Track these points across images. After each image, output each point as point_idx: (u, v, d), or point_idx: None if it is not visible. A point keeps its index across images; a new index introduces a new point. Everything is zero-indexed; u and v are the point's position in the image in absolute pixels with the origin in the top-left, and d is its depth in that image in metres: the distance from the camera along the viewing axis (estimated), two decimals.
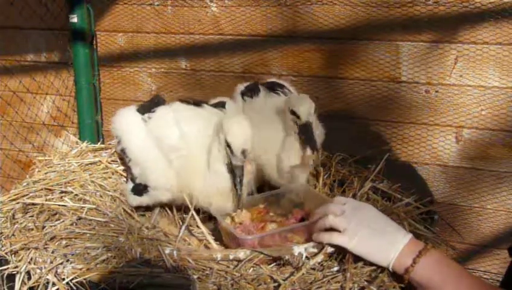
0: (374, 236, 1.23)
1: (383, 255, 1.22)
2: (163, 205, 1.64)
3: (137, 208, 1.65)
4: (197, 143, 1.52)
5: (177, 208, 1.63)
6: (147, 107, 1.65)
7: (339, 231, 1.27)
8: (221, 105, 1.69)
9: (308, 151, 1.48)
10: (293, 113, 1.51)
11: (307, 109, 1.50)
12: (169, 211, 1.67)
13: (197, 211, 1.52)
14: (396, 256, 1.20)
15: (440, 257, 1.19)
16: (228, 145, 1.42)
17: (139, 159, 1.59)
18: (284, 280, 1.24)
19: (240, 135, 1.42)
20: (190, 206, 1.51)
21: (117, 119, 1.69)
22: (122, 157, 1.70)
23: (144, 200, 1.60)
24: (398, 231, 1.24)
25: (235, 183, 1.43)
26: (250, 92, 1.75)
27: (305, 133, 1.49)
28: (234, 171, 1.43)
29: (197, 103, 1.65)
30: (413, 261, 1.18)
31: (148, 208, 1.67)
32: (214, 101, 1.75)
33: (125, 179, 1.73)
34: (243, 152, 1.41)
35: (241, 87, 1.81)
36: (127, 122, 1.66)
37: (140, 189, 1.59)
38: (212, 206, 1.49)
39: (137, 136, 1.60)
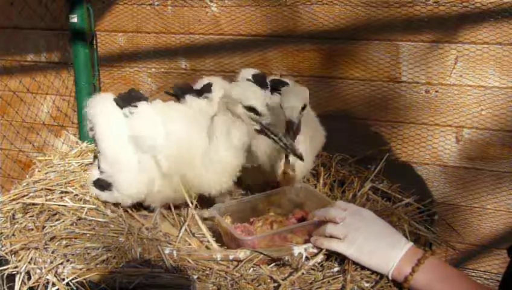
0: (373, 244, 1.23)
1: (382, 264, 1.22)
2: (163, 205, 1.64)
3: (138, 209, 1.65)
4: (184, 140, 1.48)
5: (176, 206, 1.63)
6: (126, 100, 1.57)
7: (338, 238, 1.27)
8: (207, 89, 1.64)
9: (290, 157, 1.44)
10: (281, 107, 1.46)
11: (291, 105, 1.43)
12: (169, 212, 1.67)
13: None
14: (395, 265, 1.20)
15: (439, 264, 1.19)
16: (251, 109, 1.37)
17: (110, 156, 1.53)
18: (283, 280, 1.24)
19: (257, 93, 1.38)
20: (191, 205, 1.51)
21: (94, 104, 1.62)
22: (94, 142, 1.63)
23: (103, 195, 1.56)
24: (398, 240, 1.24)
25: (281, 139, 1.37)
26: (257, 84, 1.72)
27: (287, 132, 1.43)
28: (271, 130, 1.37)
29: (182, 93, 1.61)
30: (412, 269, 1.18)
31: (148, 209, 1.67)
32: (201, 83, 1.71)
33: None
34: (267, 107, 1.37)
35: (246, 73, 1.76)
36: (103, 112, 1.58)
37: (102, 185, 1.55)
38: (213, 193, 1.48)
39: (113, 131, 1.54)
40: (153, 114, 1.52)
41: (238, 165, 1.47)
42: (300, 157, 1.40)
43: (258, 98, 1.37)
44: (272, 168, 1.61)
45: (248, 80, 1.71)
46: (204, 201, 1.57)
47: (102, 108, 1.59)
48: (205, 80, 1.76)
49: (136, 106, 1.53)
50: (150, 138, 1.48)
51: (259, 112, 1.37)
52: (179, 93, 1.63)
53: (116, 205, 1.61)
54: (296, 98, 1.46)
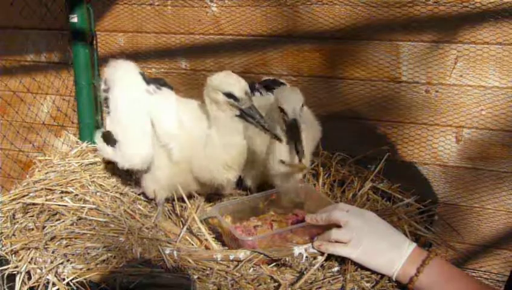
0: (378, 247, 1.23)
1: (387, 266, 1.22)
2: (167, 202, 1.65)
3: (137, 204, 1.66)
4: (194, 132, 1.54)
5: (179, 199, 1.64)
6: (153, 80, 1.62)
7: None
8: None
9: (297, 152, 1.47)
10: (281, 110, 1.50)
11: (292, 105, 1.48)
12: (172, 212, 1.67)
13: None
14: (400, 266, 1.20)
15: (443, 265, 1.19)
16: (230, 96, 1.43)
17: (123, 120, 1.57)
18: (290, 285, 1.23)
19: (235, 80, 1.45)
20: (189, 205, 1.52)
21: (117, 67, 1.65)
22: (103, 103, 1.66)
23: (107, 150, 1.60)
24: (402, 241, 1.24)
25: (259, 121, 1.44)
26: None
27: (291, 131, 1.47)
28: (251, 114, 1.44)
29: None
30: (417, 270, 1.18)
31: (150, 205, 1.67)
32: None
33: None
34: (246, 93, 1.44)
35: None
36: (126, 78, 1.62)
37: (110, 139, 1.57)
38: (215, 180, 1.51)
39: (132, 99, 1.58)
40: (174, 102, 1.58)
41: (238, 156, 1.50)
42: (280, 139, 1.47)
43: (236, 84, 1.44)
44: (268, 164, 1.61)
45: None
46: (211, 197, 1.58)
47: (125, 74, 1.62)
48: None
49: (161, 89, 1.59)
50: (167, 125, 1.54)
51: (238, 98, 1.43)
52: None
53: (116, 204, 1.61)
54: (294, 98, 1.49)
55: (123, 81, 1.61)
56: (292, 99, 1.48)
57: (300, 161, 1.47)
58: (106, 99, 1.62)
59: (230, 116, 1.46)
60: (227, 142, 1.48)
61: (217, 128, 1.48)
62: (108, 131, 1.59)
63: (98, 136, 1.64)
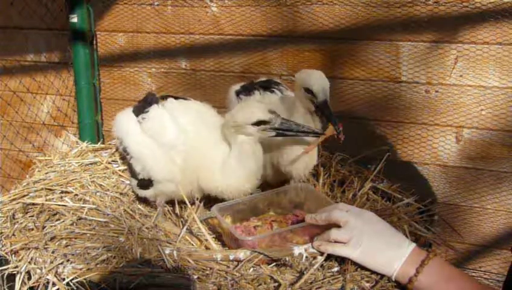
0: (377, 246, 1.24)
1: (386, 266, 1.22)
2: (167, 202, 1.65)
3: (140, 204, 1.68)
4: (195, 135, 1.55)
5: (179, 202, 1.64)
6: (141, 108, 1.68)
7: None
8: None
9: (331, 130, 1.50)
10: (309, 91, 1.51)
11: (322, 86, 1.50)
12: (172, 212, 1.67)
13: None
14: (400, 266, 1.20)
15: (442, 265, 1.19)
16: (260, 123, 1.45)
17: (139, 157, 1.62)
18: (290, 285, 1.23)
19: (255, 106, 1.49)
20: (189, 206, 1.52)
21: (116, 121, 1.75)
22: (124, 155, 1.74)
23: (150, 192, 1.63)
24: (402, 241, 1.24)
25: (299, 129, 1.48)
26: (246, 90, 1.75)
27: (321, 111, 1.50)
28: (287, 127, 1.47)
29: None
30: (417, 271, 1.18)
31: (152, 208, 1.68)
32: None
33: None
34: (270, 111, 1.47)
35: (235, 87, 1.82)
36: (124, 125, 1.71)
37: (145, 183, 1.62)
38: (229, 194, 1.52)
39: (135, 137, 1.64)
40: (162, 115, 1.61)
41: (252, 185, 1.53)
42: (321, 134, 1.51)
43: (259, 109, 1.46)
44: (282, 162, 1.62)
45: (237, 91, 1.78)
46: (211, 197, 1.59)
47: (122, 122, 1.71)
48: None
49: (147, 111, 1.63)
50: (161, 136, 1.58)
51: (268, 120, 1.45)
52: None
53: (116, 204, 1.61)
54: (323, 79, 1.51)
55: (124, 132, 1.69)
56: (321, 81, 1.50)
57: (339, 134, 1.51)
58: (124, 149, 1.69)
59: (262, 140, 1.49)
60: (248, 168, 1.49)
61: (239, 156, 1.49)
62: (140, 179, 1.63)
63: (136, 188, 1.68)
